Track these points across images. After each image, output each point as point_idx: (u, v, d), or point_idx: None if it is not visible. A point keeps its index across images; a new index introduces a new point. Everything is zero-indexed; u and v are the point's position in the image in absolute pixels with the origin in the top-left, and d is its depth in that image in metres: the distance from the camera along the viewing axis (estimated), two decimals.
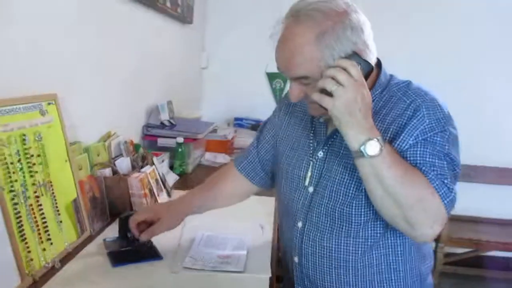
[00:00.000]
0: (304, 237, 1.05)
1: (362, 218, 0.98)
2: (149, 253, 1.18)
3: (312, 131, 1.09)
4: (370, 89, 0.95)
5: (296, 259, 1.09)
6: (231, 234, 1.34)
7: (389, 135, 0.94)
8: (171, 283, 1.07)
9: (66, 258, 1.15)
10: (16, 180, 1.02)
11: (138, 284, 1.04)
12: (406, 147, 0.91)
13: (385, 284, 1.02)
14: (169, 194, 1.69)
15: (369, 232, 0.99)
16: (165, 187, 1.68)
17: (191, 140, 2.09)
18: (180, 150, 2.02)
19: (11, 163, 1.01)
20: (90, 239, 1.28)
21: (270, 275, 1.11)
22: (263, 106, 3.36)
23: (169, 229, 1.19)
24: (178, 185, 1.89)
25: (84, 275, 1.08)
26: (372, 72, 0.93)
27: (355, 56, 0.89)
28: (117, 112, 1.80)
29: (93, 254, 1.19)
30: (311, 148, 1.07)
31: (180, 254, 1.20)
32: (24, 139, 1.07)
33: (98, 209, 1.38)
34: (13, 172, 1.01)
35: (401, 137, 0.92)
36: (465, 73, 3.01)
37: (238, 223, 1.44)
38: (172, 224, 1.20)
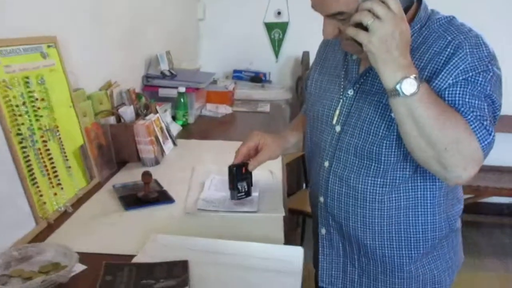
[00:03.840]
0: (331, 177, 1.03)
1: (392, 158, 0.94)
2: (160, 197, 1.17)
3: (344, 69, 1.04)
4: (409, 24, 0.89)
5: (321, 199, 1.07)
6: None
7: (427, 73, 0.89)
8: (186, 224, 1.06)
9: (77, 203, 1.14)
10: (22, 124, 0.99)
11: (152, 226, 1.04)
12: (445, 86, 0.86)
13: (411, 227, 1.00)
14: (174, 143, 1.67)
15: (398, 172, 0.96)
16: (170, 136, 1.66)
17: (193, 90, 2.05)
18: (182, 100, 1.99)
19: (16, 106, 0.98)
20: (99, 186, 1.27)
21: (283, 213, 1.11)
22: (262, 58, 3.33)
23: (271, 158, 1.18)
24: (182, 135, 1.87)
25: (98, 218, 1.07)
26: (412, 6, 0.86)
27: None
28: (116, 61, 1.75)
29: (105, 199, 1.18)
30: (342, 87, 1.02)
31: (192, 197, 1.19)
32: (27, 82, 1.03)
33: (105, 156, 1.36)
34: (19, 115, 0.99)
35: (440, 76, 0.87)
36: None
37: None
38: (274, 154, 1.18)
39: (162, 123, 1.62)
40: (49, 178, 1.06)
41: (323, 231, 1.10)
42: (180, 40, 2.72)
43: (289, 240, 1.01)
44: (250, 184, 1.14)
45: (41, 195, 1.01)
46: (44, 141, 1.06)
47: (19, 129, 0.98)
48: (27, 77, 1.03)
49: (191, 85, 2.04)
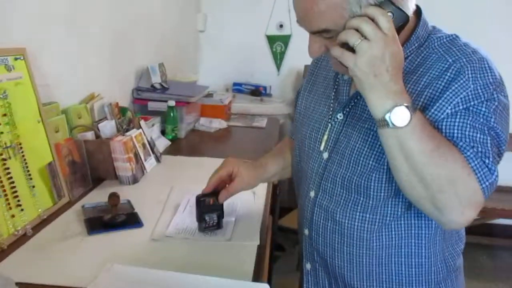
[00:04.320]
0: (316, 208, 0.94)
1: (382, 193, 0.85)
2: (129, 220, 1.10)
3: (334, 90, 0.95)
4: (404, 43, 0.81)
5: (306, 231, 0.98)
6: None
7: (422, 100, 0.79)
8: (151, 251, 0.98)
9: (40, 225, 1.07)
10: None
11: (114, 252, 0.96)
12: (442, 116, 0.76)
13: (403, 269, 0.89)
14: (158, 160, 1.60)
15: (389, 209, 0.86)
16: (153, 152, 1.59)
17: (183, 104, 1.99)
18: (171, 114, 1.92)
19: None
20: (69, 205, 1.20)
21: (258, 242, 1.02)
22: (263, 71, 3.26)
23: (244, 189, 1.08)
24: (170, 150, 1.81)
25: (57, 243, 1.00)
26: (408, 22, 0.76)
27: (388, 3, 0.71)
28: (102, 73, 1.69)
29: (70, 221, 1.11)
30: (331, 109, 0.93)
31: (163, 221, 1.11)
32: None
33: (78, 174, 1.29)
34: None
35: (438, 104, 0.77)
36: None
37: None
38: (249, 186, 1.09)
39: (144, 139, 1.55)
40: (6, 199, 0.99)
41: (307, 266, 1.01)
42: (178, 52, 2.67)
43: (259, 273, 0.92)
44: (221, 216, 1.05)
45: None
46: (3, 159, 1.00)
47: None
48: None
49: (181, 98, 1.98)
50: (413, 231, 0.87)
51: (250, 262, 0.94)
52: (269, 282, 1.89)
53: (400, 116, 0.70)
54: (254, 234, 1.06)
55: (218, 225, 1.05)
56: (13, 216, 1.00)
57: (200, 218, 1.03)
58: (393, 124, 0.70)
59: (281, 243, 2.70)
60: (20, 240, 1.00)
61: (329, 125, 0.92)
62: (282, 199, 2.42)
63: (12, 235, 0.98)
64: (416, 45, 0.84)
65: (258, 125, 2.35)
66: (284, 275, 2.33)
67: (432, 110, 0.77)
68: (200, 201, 1.03)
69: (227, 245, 1.01)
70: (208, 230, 1.04)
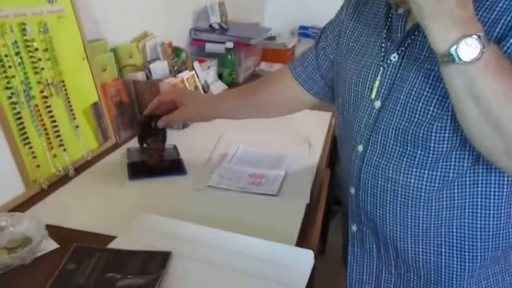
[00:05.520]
0: (364, 165, 0.81)
1: (445, 146, 0.70)
2: (172, 167, 1.04)
3: (386, 28, 0.79)
4: None
5: (352, 190, 0.86)
6: (272, 150, 1.15)
7: (498, 31, 0.63)
8: (192, 201, 0.92)
9: (83, 166, 1.04)
10: (13, 76, 0.88)
11: (153, 200, 0.91)
12: None
13: (466, 232, 0.76)
14: None
15: (452, 163, 0.72)
16: None
17: (242, 46, 1.86)
18: (229, 56, 1.81)
19: (6, 56, 0.87)
20: (115, 147, 1.16)
21: (307, 201, 0.92)
22: (332, 15, 3.00)
23: (190, 120, 1.09)
24: None
25: (97, 186, 0.96)
26: None
27: None
28: (156, 11, 1.60)
29: (114, 164, 1.07)
30: (383, 50, 0.78)
31: (207, 170, 1.04)
32: (24, 29, 0.91)
33: (126, 116, 1.24)
34: (9, 67, 0.87)
35: None
36: None
37: (283, 138, 1.24)
38: (196, 116, 1.05)
39: (197, 82, 1.46)
40: (48, 138, 0.95)
41: (353, 228, 0.89)
42: None
43: (305, 236, 0.82)
44: (162, 141, 1.03)
45: (34, 157, 0.91)
46: (44, 97, 0.96)
47: (8, 82, 0.87)
48: (23, 23, 0.91)
49: (241, 40, 1.85)
50: (480, 189, 0.73)
51: (296, 223, 0.84)
52: (324, 240, 1.78)
53: (469, 48, 0.55)
54: (304, 190, 0.96)
55: (180, 169, 1.04)
56: (55, 156, 0.97)
57: (140, 140, 1.01)
58: (460, 58, 0.55)
59: (338, 196, 2.57)
60: (62, 180, 0.97)
61: (381, 68, 0.77)
62: None
63: (53, 175, 0.96)
64: None
65: None
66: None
67: (511, 41, 0.61)
68: (139, 122, 1.01)
69: (272, 201, 0.92)
70: (148, 153, 1.02)
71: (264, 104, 1.04)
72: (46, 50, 0.97)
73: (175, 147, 1.14)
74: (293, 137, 1.25)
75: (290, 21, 2.93)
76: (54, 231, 0.77)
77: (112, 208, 0.88)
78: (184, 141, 1.21)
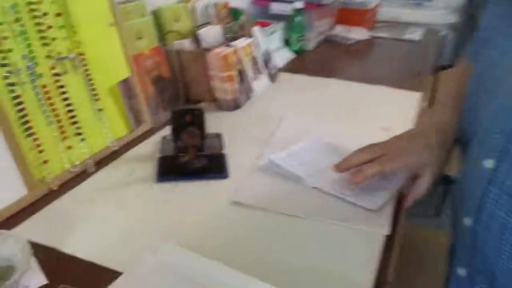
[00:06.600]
0: (493, 189, 0.54)
1: None
2: (211, 166, 0.82)
3: None
4: None
5: (468, 221, 0.59)
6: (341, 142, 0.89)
7: None
8: (227, 221, 0.69)
9: (107, 158, 0.86)
10: (10, 50, 0.69)
11: (178, 214, 0.70)
12: None
13: None
14: (272, 79, 1.26)
15: None
16: (267, 68, 1.25)
17: (314, 7, 1.56)
18: (297, 19, 1.52)
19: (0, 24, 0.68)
20: (150, 133, 0.97)
21: (386, 232, 0.65)
22: None
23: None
24: (291, 67, 1.45)
25: (117, 188, 0.77)
26: None
27: None
28: None
29: (144, 157, 0.87)
30: None
31: (255, 174, 0.80)
32: None
33: (167, 94, 1.04)
34: (4, 38, 0.69)
35: None
36: None
37: (356, 126, 0.97)
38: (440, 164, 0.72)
39: (256, 51, 1.21)
40: (60, 127, 0.77)
41: (460, 271, 0.62)
42: None
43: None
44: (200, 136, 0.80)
45: (40, 151, 0.74)
46: (55, 75, 0.77)
47: (3, 58, 0.69)
48: None
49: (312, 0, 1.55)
50: None
51: (370, 265, 0.59)
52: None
53: None
54: (382, 213, 0.69)
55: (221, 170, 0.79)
56: (69, 147, 0.79)
57: (174, 137, 0.80)
58: None
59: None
60: (78, 178, 0.79)
61: None
62: None
63: (67, 172, 0.78)
64: None
65: (411, 37, 1.80)
66: (420, 223, 1.92)
67: None
68: (176, 113, 0.78)
69: (342, 226, 0.67)
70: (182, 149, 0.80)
71: None
72: (59, 15, 0.77)
73: (218, 136, 0.91)
74: (369, 126, 0.98)
75: None
76: (47, 255, 0.60)
77: (126, 224, 0.68)
78: (234, 126, 0.98)
